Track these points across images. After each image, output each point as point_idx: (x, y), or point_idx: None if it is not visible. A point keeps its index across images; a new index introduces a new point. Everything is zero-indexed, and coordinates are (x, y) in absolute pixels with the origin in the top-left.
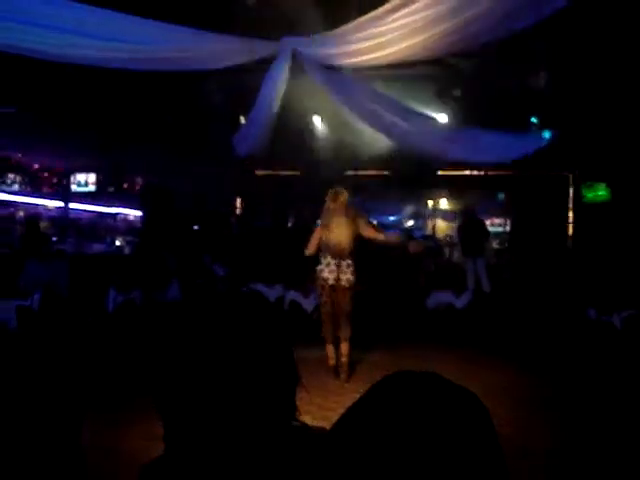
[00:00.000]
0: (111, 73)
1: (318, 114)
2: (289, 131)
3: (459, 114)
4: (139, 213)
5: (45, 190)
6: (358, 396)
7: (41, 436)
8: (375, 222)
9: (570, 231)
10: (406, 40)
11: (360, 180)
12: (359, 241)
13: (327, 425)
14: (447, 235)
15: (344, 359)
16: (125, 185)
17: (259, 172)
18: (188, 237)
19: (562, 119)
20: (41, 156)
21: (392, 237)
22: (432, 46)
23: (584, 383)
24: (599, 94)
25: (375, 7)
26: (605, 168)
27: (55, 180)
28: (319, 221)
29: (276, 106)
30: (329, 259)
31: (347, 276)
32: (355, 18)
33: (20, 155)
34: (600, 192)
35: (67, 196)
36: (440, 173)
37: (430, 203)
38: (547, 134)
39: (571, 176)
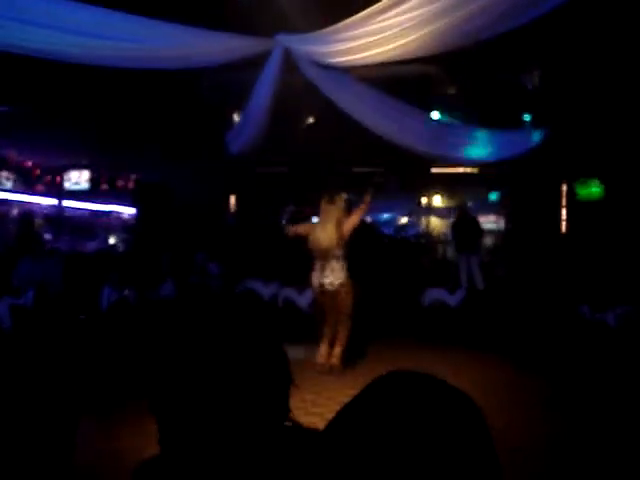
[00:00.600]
0: (104, 71)
1: (311, 111)
2: (282, 128)
3: (452, 112)
4: (133, 211)
5: (39, 188)
6: (351, 392)
7: (36, 434)
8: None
9: (563, 228)
10: (400, 38)
11: (353, 177)
12: (354, 236)
13: (320, 422)
14: (441, 232)
15: (334, 360)
16: (119, 183)
17: (253, 169)
18: (182, 235)
19: (555, 116)
20: (35, 154)
21: (367, 199)
22: (426, 44)
23: (579, 381)
24: (592, 91)
25: (368, 6)
26: (598, 165)
27: (49, 178)
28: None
29: (270, 103)
30: (316, 264)
31: (329, 279)
32: (349, 16)
33: (13, 153)
34: (593, 189)
35: (61, 194)
36: (434, 171)
37: (424, 200)
38: (539, 133)
39: (564, 173)
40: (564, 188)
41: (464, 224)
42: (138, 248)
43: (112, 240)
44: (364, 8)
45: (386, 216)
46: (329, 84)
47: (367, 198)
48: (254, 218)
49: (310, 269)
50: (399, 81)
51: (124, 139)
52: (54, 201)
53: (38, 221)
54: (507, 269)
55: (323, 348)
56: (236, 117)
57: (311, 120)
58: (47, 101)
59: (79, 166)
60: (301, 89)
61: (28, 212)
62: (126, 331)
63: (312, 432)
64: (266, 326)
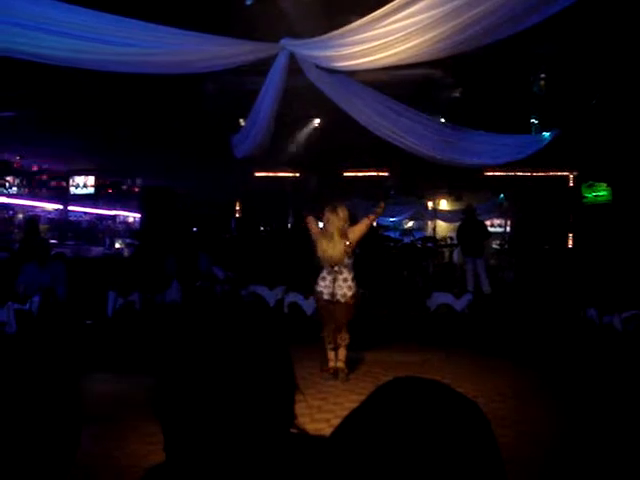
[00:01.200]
0: (109, 76)
1: (317, 116)
2: (288, 132)
3: (458, 115)
4: (138, 215)
5: (44, 193)
6: (357, 398)
7: (39, 439)
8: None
9: (570, 232)
10: (405, 42)
11: (359, 181)
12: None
13: (326, 428)
14: (447, 236)
15: (340, 364)
16: (124, 187)
17: (258, 174)
18: (188, 239)
19: (562, 119)
20: (40, 159)
21: (378, 211)
22: (431, 49)
23: (586, 385)
24: (599, 94)
25: (374, 9)
26: (606, 168)
27: (54, 183)
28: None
29: (275, 107)
30: (325, 272)
31: (343, 291)
32: (354, 20)
33: (19, 158)
34: (601, 192)
35: (66, 199)
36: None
37: (430, 204)
38: (547, 135)
39: (571, 176)
40: (571, 191)
41: (471, 227)
42: (143, 252)
43: (118, 244)
44: (369, 12)
45: (392, 220)
46: (335, 88)
47: (380, 209)
48: (259, 223)
49: (315, 277)
50: (404, 84)
51: (129, 144)
52: (59, 206)
53: (43, 226)
54: (514, 273)
55: (331, 353)
56: (242, 122)
57: (316, 124)
58: (52, 106)
59: (84, 171)
60: (307, 93)
61: (33, 217)
62: (132, 336)
63: (318, 439)
64: (272, 332)
